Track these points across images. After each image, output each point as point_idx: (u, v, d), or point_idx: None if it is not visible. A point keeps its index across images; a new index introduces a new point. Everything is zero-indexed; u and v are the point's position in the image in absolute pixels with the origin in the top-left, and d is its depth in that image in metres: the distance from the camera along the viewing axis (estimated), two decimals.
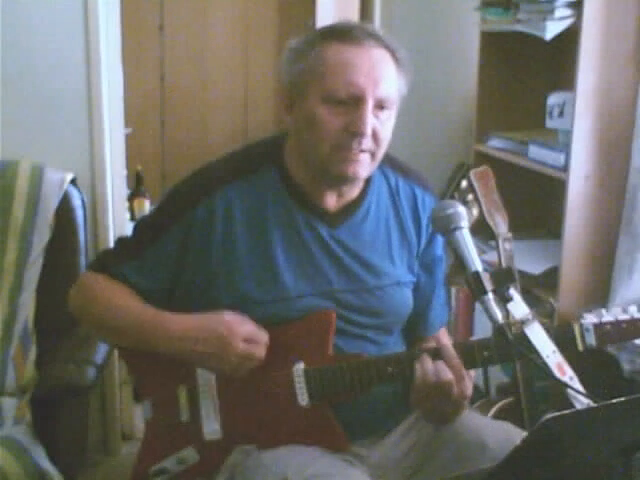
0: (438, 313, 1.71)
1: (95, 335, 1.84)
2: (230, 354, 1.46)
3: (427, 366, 1.43)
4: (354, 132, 1.44)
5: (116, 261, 1.58)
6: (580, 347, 1.47)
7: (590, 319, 1.48)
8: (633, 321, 1.48)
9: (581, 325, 1.48)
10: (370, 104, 1.43)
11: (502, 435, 1.51)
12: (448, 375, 1.42)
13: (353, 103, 1.43)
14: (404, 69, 1.48)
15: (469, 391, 1.45)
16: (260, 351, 1.48)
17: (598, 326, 1.47)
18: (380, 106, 1.45)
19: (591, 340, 1.47)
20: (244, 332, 1.47)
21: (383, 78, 1.44)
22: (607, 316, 1.48)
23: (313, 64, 1.45)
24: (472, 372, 1.47)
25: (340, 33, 1.45)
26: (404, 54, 1.49)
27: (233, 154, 1.61)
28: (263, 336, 1.49)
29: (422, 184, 1.66)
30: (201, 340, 1.47)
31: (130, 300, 1.55)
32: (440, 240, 1.65)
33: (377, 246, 1.59)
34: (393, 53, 1.47)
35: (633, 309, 1.49)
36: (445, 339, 1.69)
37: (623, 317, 1.48)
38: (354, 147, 1.45)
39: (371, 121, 1.44)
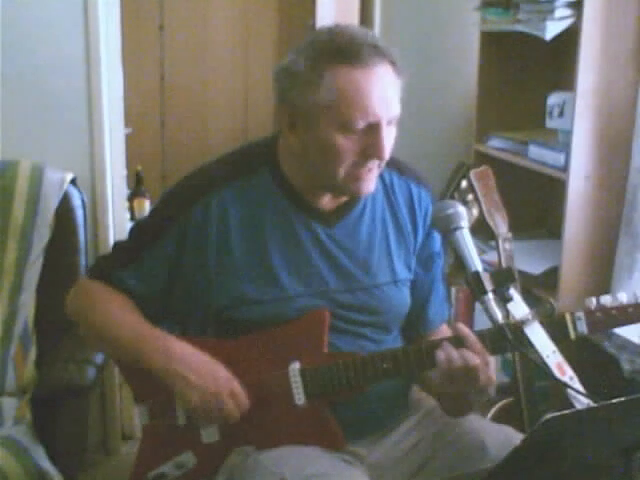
0: (437, 310, 1.71)
1: (90, 343, 1.84)
2: (216, 395, 1.45)
3: (451, 353, 1.42)
4: (371, 156, 1.45)
5: (114, 266, 1.58)
6: (572, 335, 1.47)
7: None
8: (622, 307, 1.48)
9: (572, 314, 1.48)
10: (385, 128, 1.44)
11: (502, 438, 1.51)
12: (475, 360, 1.40)
13: (368, 128, 1.43)
14: (401, 75, 1.48)
15: (494, 377, 1.44)
16: (240, 409, 1.47)
17: (589, 314, 1.48)
18: (389, 122, 1.46)
19: (582, 328, 1.47)
20: (236, 386, 1.47)
21: (392, 98, 1.45)
22: (597, 304, 1.49)
23: (326, 95, 1.42)
24: (493, 360, 1.46)
25: (345, 54, 1.41)
26: (398, 56, 1.47)
27: (228, 156, 1.61)
28: (245, 400, 1.49)
29: (417, 180, 1.66)
30: (196, 369, 1.47)
31: (129, 310, 1.55)
32: (437, 236, 1.65)
33: (374, 245, 1.59)
34: (392, 62, 1.45)
35: (622, 296, 1.49)
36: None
37: (613, 304, 1.49)
38: (368, 167, 1.47)
39: (388, 145, 1.45)
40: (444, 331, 1.72)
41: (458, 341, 1.44)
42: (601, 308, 1.47)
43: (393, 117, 1.46)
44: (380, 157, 1.45)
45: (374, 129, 1.43)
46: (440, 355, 1.43)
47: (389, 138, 1.47)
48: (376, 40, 1.45)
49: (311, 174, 1.52)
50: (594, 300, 1.49)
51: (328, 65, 1.42)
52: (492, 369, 1.43)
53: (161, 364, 1.48)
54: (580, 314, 1.47)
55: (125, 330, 1.53)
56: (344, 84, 1.41)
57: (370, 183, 1.50)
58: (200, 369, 1.47)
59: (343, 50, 1.42)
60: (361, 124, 1.42)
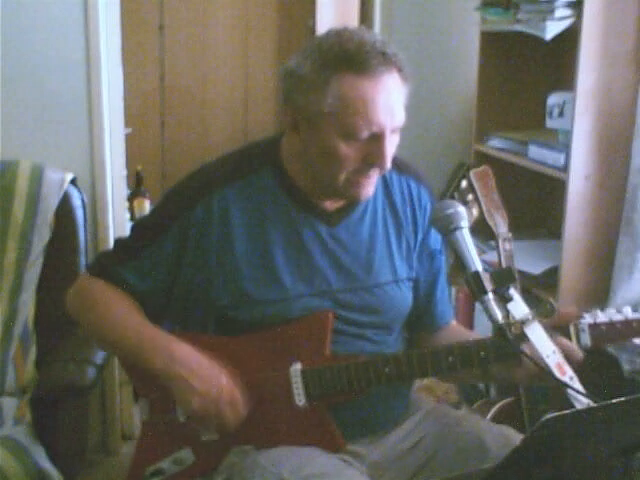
0: (444, 307, 1.71)
1: (90, 339, 1.84)
2: (217, 400, 1.45)
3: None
4: (373, 164, 1.45)
5: (114, 263, 1.58)
6: None
7: (586, 319, 1.48)
8: (627, 322, 1.49)
9: (576, 325, 1.48)
10: (389, 137, 1.44)
11: (502, 438, 1.52)
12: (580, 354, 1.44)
13: (372, 137, 1.43)
14: (408, 81, 1.47)
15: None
16: (241, 413, 1.47)
17: (593, 326, 1.48)
18: (393, 131, 1.46)
19: (586, 340, 1.47)
20: (236, 388, 1.47)
21: (398, 107, 1.44)
22: (602, 317, 1.49)
23: (331, 102, 1.41)
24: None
25: (352, 61, 1.40)
26: (406, 64, 1.46)
27: (230, 155, 1.61)
28: (243, 411, 1.48)
29: (417, 178, 1.66)
30: (197, 372, 1.45)
31: (129, 311, 1.54)
32: (437, 234, 1.65)
33: (376, 244, 1.59)
34: (399, 69, 1.44)
35: (627, 310, 1.49)
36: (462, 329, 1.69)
37: (618, 318, 1.49)
38: (370, 174, 1.47)
39: (390, 153, 1.45)
40: (454, 328, 1.72)
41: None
42: (606, 321, 1.48)
43: (397, 126, 1.46)
44: (382, 166, 1.46)
45: (377, 138, 1.43)
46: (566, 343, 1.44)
47: (391, 146, 1.46)
48: (385, 46, 1.43)
49: (312, 176, 1.52)
50: (599, 311, 1.49)
51: (334, 72, 1.41)
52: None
53: (162, 366, 1.47)
54: (584, 326, 1.48)
55: (126, 331, 1.52)
56: (349, 93, 1.40)
57: (370, 188, 1.50)
58: (202, 373, 1.46)
59: (350, 57, 1.40)
60: (365, 134, 1.42)
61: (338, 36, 1.45)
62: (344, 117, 1.41)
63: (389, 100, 1.42)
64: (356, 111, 1.41)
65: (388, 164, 1.46)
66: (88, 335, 1.74)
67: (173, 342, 1.49)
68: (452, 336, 1.65)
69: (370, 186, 1.50)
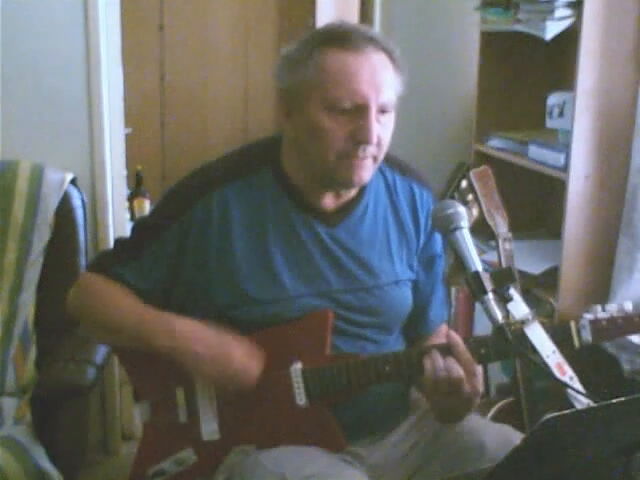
0: (437, 311, 1.71)
1: (93, 335, 1.84)
2: (229, 362, 1.46)
3: (437, 362, 1.42)
4: (359, 141, 1.44)
5: (115, 262, 1.58)
6: (577, 343, 1.47)
7: (586, 317, 1.48)
8: (629, 317, 1.48)
9: (577, 322, 1.48)
10: (374, 111, 1.43)
11: (501, 437, 1.51)
12: (459, 371, 1.41)
13: (356, 111, 1.43)
14: (400, 69, 1.48)
15: (480, 387, 1.44)
16: (256, 369, 1.48)
17: (594, 322, 1.48)
18: (382, 110, 1.45)
19: (587, 336, 1.47)
20: (245, 345, 1.47)
21: (384, 83, 1.44)
22: (603, 313, 1.49)
23: (313, 73, 1.43)
24: (480, 368, 1.46)
25: (338, 39, 1.44)
26: (399, 53, 1.48)
27: (230, 155, 1.61)
28: (260, 355, 1.49)
29: (419, 181, 1.66)
30: (202, 341, 1.47)
31: (130, 298, 1.55)
32: (439, 238, 1.65)
33: (375, 245, 1.59)
34: (390, 55, 1.46)
35: (629, 306, 1.49)
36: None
37: (619, 314, 1.49)
38: (359, 154, 1.46)
39: (376, 128, 1.44)
40: (443, 332, 1.72)
41: (448, 349, 1.44)
42: (607, 317, 1.47)
43: (385, 104, 1.45)
44: (367, 141, 1.44)
45: (362, 112, 1.43)
46: (427, 363, 1.43)
47: (382, 126, 1.46)
48: (374, 33, 1.46)
49: (308, 166, 1.52)
50: (599, 308, 1.49)
51: (318, 46, 1.44)
52: (479, 380, 1.43)
53: (166, 343, 1.48)
54: (585, 322, 1.47)
55: (127, 315, 1.53)
56: (332, 63, 1.42)
57: (363, 172, 1.48)
58: (206, 339, 1.47)
59: (336, 36, 1.44)
60: (347, 104, 1.42)
61: (328, 23, 1.50)
62: (326, 87, 1.42)
63: (374, 74, 1.43)
64: (338, 80, 1.41)
65: (373, 139, 1.44)
66: (89, 329, 1.74)
67: (172, 318, 1.51)
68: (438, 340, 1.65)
69: (363, 169, 1.48)
